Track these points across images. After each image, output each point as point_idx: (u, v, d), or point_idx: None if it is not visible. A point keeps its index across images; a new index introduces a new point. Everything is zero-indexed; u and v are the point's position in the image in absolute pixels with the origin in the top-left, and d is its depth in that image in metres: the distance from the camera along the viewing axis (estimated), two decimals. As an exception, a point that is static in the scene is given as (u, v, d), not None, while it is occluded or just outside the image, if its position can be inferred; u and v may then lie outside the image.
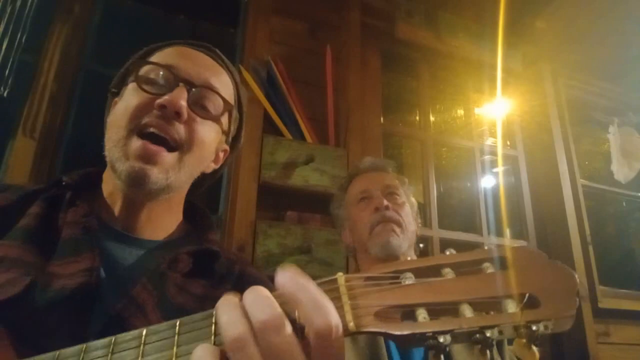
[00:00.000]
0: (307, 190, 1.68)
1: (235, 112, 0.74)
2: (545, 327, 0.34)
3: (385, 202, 1.12)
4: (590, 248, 2.20)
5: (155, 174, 0.60)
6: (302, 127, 1.78)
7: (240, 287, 0.66)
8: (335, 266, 1.60)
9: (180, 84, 0.63)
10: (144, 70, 0.65)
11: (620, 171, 2.52)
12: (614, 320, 2.14)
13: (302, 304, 0.35)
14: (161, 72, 0.64)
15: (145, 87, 0.62)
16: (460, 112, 2.54)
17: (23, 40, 1.43)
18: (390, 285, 0.38)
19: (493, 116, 2.43)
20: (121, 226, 0.65)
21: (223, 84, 0.69)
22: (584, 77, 2.61)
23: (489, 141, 2.39)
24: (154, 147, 0.60)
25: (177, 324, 0.38)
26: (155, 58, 0.67)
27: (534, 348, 0.34)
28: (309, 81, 1.91)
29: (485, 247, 0.41)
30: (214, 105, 0.67)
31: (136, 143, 0.60)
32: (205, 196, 1.86)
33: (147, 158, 0.59)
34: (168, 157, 0.61)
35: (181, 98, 0.61)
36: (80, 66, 1.66)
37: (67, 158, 1.56)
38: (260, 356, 0.33)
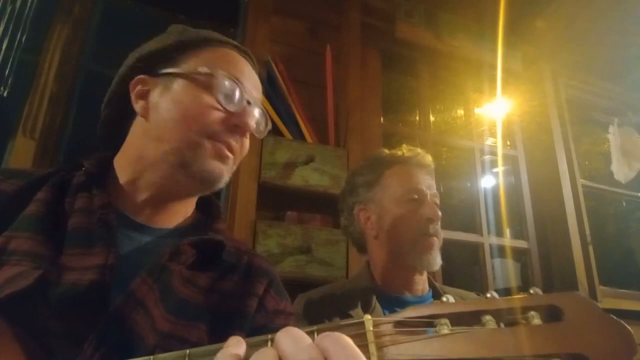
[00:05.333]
0: (307, 190, 1.68)
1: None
2: None
3: (439, 214, 1.07)
4: (590, 248, 2.20)
5: (226, 174, 0.66)
6: (302, 127, 1.78)
7: (247, 278, 0.67)
8: (335, 266, 1.60)
9: (246, 103, 0.67)
10: (220, 81, 0.65)
11: (620, 171, 2.52)
12: (614, 320, 2.13)
13: (332, 354, 0.32)
14: (234, 88, 0.66)
15: (221, 100, 0.65)
16: (460, 112, 2.54)
17: (23, 40, 1.43)
18: (424, 333, 0.34)
19: (493, 116, 2.43)
20: (138, 216, 0.65)
21: (261, 92, 0.74)
22: (584, 77, 2.61)
23: (489, 141, 2.39)
24: (229, 152, 0.65)
25: (187, 354, 0.36)
26: (216, 61, 0.67)
27: None
28: (309, 81, 1.91)
29: (532, 292, 0.36)
30: (262, 121, 0.73)
31: (215, 145, 0.64)
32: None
33: (224, 159, 0.65)
34: (232, 161, 0.67)
35: (251, 120, 0.67)
36: (80, 66, 1.66)
37: (67, 158, 1.56)
38: None
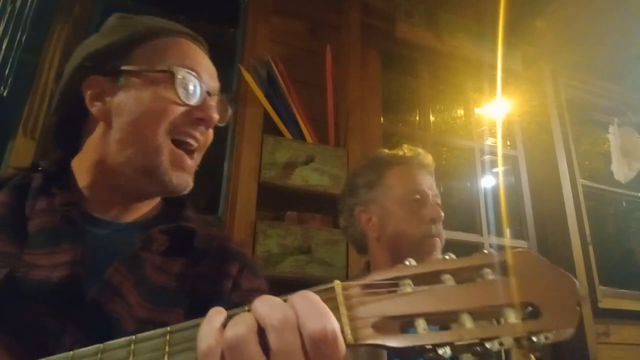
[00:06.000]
0: (307, 190, 1.68)
1: None
2: (546, 337, 0.34)
3: (442, 215, 1.06)
4: (590, 248, 2.20)
5: (191, 181, 0.66)
6: (302, 127, 1.78)
7: (220, 262, 0.67)
8: (335, 266, 1.60)
9: (206, 94, 0.66)
10: (179, 77, 0.63)
11: (620, 171, 2.52)
12: (614, 320, 2.14)
13: (300, 309, 0.35)
14: (193, 81, 0.65)
15: (182, 96, 0.63)
16: (460, 112, 2.54)
17: (23, 40, 1.43)
18: (388, 293, 0.37)
19: (493, 116, 2.43)
20: (105, 215, 0.65)
21: (217, 79, 0.72)
22: (584, 77, 2.61)
23: (489, 141, 2.39)
24: (190, 161, 0.65)
25: (167, 332, 0.38)
26: (172, 54, 0.66)
27: (532, 357, 0.34)
28: (309, 81, 1.91)
29: (486, 252, 0.40)
30: (221, 109, 0.70)
31: (175, 153, 0.63)
32: (205, 196, 1.87)
33: (187, 168, 0.65)
34: (194, 163, 0.67)
35: (213, 112, 0.66)
36: (80, 66, 1.66)
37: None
38: (263, 355, 0.34)
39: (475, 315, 0.35)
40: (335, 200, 1.31)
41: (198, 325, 0.37)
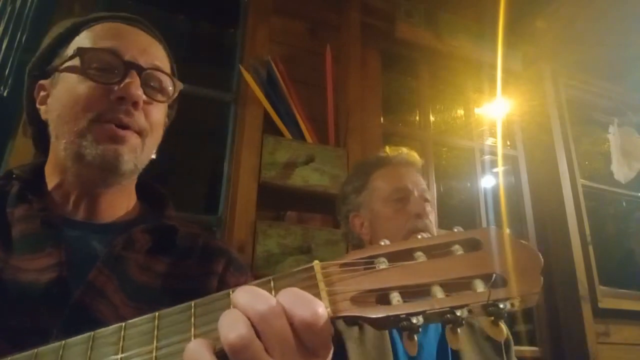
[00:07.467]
0: (307, 190, 1.68)
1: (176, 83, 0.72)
2: (512, 304, 0.36)
3: (427, 209, 1.06)
4: (590, 248, 2.20)
5: (127, 154, 0.61)
6: (302, 127, 1.78)
7: (205, 259, 0.67)
8: (335, 266, 1.59)
9: (131, 70, 0.62)
10: (87, 57, 0.62)
11: (620, 171, 2.52)
12: (614, 320, 2.14)
13: (286, 299, 0.36)
14: (107, 58, 0.62)
15: (95, 76, 0.61)
16: (460, 112, 2.54)
17: (23, 40, 1.43)
18: (365, 270, 0.39)
19: (493, 116, 2.43)
20: (77, 215, 0.65)
21: (164, 59, 0.70)
22: (584, 77, 2.61)
23: (489, 141, 2.39)
24: (121, 131, 0.61)
25: (156, 316, 0.39)
26: (90, 39, 0.65)
27: (502, 325, 0.36)
28: (309, 81, 1.91)
29: (455, 230, 0.42)
30: (163, 85, 0.67)
31: (103, 127, 0.60)
32: (205, 196, 1.87)
33: (117, 139, 0.60)
34: (134, 138, 0.62)
35: (136, 87, 0.61)
36: (80, 66, 1.65)
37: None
38: (264, 349, 0.34)
39: (446, 287, 0.38)
40: (335, 200, 1.32)
41: (185, 309, 0.38)
